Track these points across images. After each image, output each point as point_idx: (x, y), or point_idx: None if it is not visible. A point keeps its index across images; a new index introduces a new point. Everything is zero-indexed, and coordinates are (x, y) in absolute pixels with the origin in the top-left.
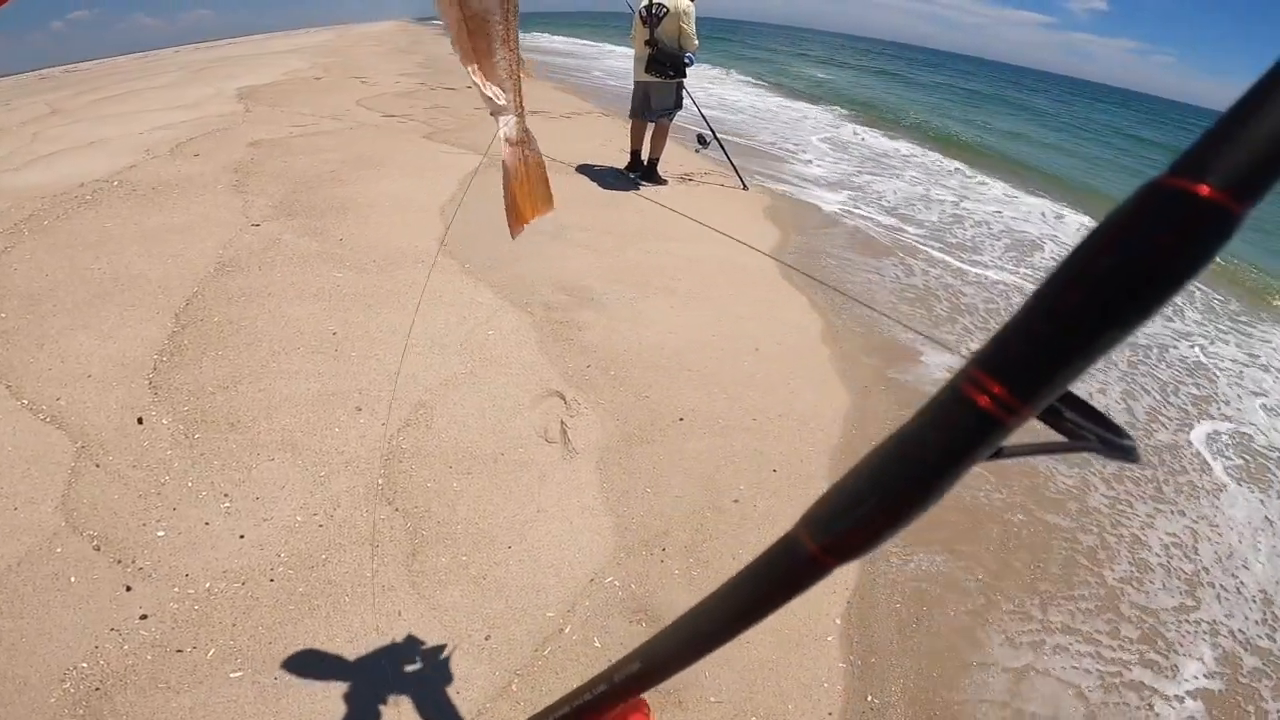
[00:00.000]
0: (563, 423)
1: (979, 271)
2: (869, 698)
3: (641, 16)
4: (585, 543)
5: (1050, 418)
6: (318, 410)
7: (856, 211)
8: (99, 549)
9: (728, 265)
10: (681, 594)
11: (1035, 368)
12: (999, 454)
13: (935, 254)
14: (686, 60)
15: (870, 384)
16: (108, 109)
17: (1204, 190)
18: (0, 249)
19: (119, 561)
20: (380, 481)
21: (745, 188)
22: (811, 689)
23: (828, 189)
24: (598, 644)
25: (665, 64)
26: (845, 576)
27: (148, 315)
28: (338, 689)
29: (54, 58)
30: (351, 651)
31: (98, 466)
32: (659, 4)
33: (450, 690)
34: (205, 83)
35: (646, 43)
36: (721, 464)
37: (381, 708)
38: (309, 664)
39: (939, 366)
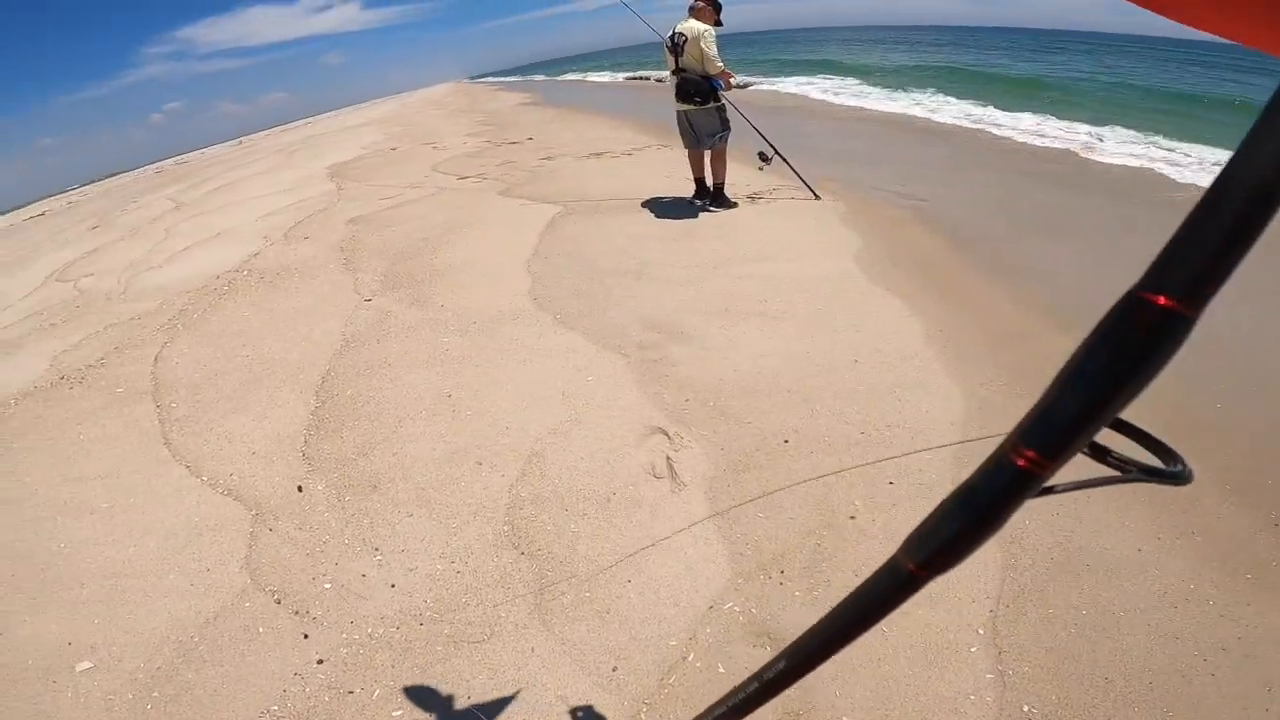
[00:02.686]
0: (668, 458)
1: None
2: (1025, 708)
3: (668, 46)
4: (701, 571)
5: (1097, 455)
6: (443, 467)
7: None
8: (279, 602)
9: (813, 279)
10: (805, 614)
11: (1056, 439)
12: (1048, 490)
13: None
14: (714, 85)
15: (988, 380)
16: (222, 199)
17: (1162, 300)
18: (161, 344)
19: (296, 613)
20: (505, 529)
21: (817, 197)
22: (956, 702)
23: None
24: (722, 670)
25: (693, 91)
26: (986, 585)
27: (292, 395)
28: None
29: (160, 149)
30: (493, 688)
31: (270, 530)
32: (679, 32)
33: None
34: (298, 165)
35: (674, 72)
36: (833, 482)
37: None
38: (457, 702)
39: (1058, 351)
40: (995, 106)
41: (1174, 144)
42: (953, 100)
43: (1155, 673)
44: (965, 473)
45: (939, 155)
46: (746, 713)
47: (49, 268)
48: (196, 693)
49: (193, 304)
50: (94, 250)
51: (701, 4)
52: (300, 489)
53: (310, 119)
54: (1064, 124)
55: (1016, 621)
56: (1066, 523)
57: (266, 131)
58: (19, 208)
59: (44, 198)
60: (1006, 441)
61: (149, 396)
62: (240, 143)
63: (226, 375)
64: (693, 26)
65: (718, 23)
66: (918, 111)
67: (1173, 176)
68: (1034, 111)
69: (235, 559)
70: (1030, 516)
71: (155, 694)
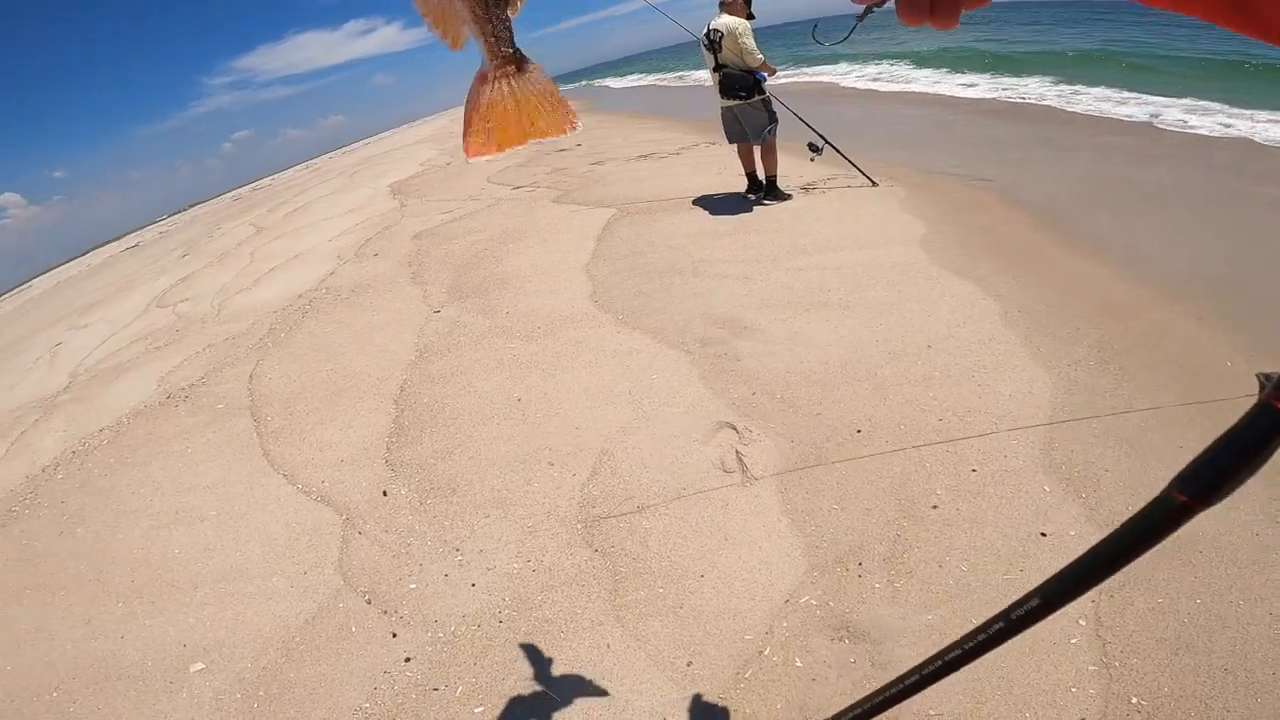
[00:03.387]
0: (737, 452)
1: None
2: (1134, 699)
3: (704, 45)
4: (776, 565)
5: None
6: (517, 469)
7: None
8: (370, 602)
9: (877, 267)
10: (885, 607)
11: (1210, 487)
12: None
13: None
14: (758, 78)
15: (1077, 360)
16: (296, 222)
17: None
18: (255, 362)
19: (385, 613)
20: (578, 527)
21: (874, 184)
22: (1055, 694)
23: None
24: (799, 664)
25: (736, 86)
26: None
27: (374, 405)
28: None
29: (234, 177)
30: (570, 683)
31: (360, 534)
32: (714, 29)
33: (656, 716)
34: (362, 184)
35: (714, 69)
36: (911, 471)
37: None
38: (535, 698)
39: (1153, 325)
40: (1060, 80)
41: (1252, 110)
42: (1008, 77)
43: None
44: (1056, 458)
45: (1002, 134)
46: (985, 651)
47: (149, 295)
48: (297, 691)
49: (279, 323)
50: (187, 277)
51: None
52: (385, 493)
53: (368, 139)
54: (1133, 94)
55: (1122, 612)
56: None
57: (329, 155)
58: (115, 239)
59: (135, 229)
60: (1269, 391)
61: (247, 411)
62: (306, 166)
63: (314, 389)
64: (727, 22)
65: (749, 16)
66: (973, 93)
67: (1259, 141)
68: (1104, 85)
69: (329, 562)
70: (1135, 501)
71: (261, 693)
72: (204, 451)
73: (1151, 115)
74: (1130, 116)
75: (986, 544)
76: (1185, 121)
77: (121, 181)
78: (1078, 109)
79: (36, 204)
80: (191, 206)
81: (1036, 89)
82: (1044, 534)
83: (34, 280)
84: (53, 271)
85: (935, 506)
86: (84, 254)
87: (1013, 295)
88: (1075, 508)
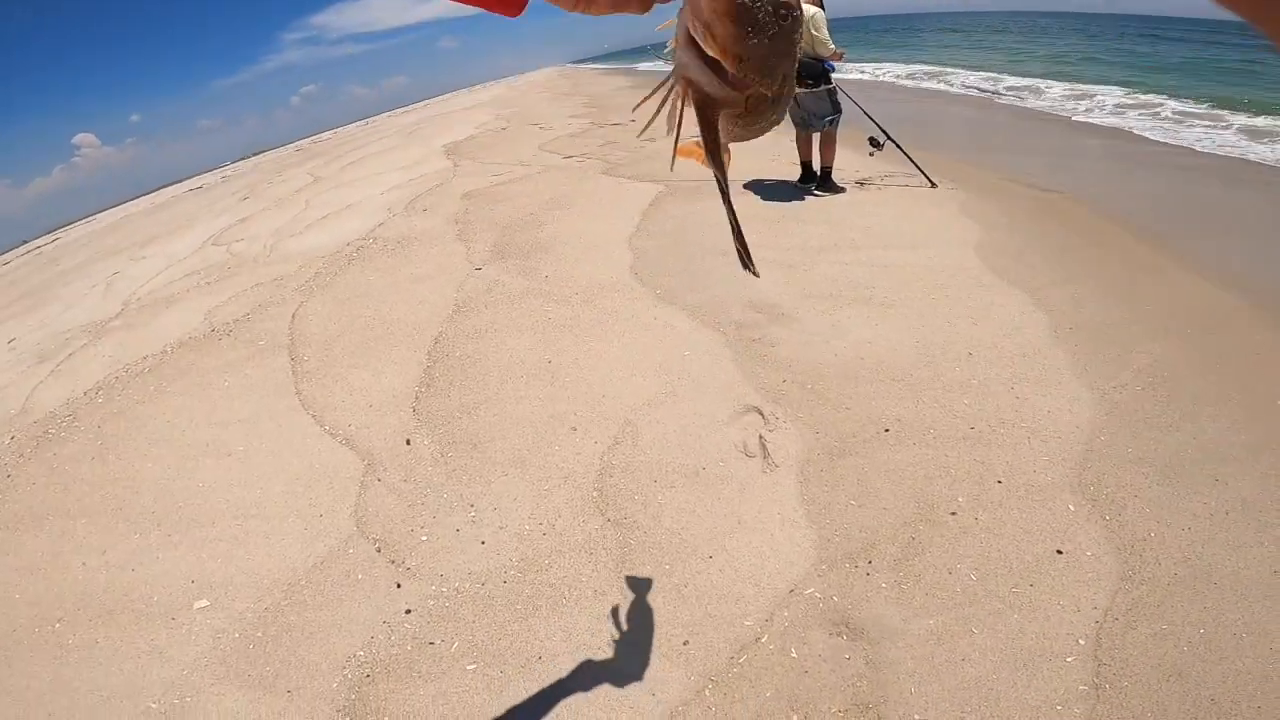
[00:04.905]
0: (761, 437)
1: None
2: None
3: None
4: (785, 554)
5: None
6: (540, 431)
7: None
8: (380, 551)
9: (926, 268)
10: (889, 607)
11: None
12: None
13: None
14: (827, 67)
15: (1123, 383)
16: (352, 174)
17: None
18: (299, 303)
19: (393, 562)
20: (594, 494)
21: (934, 185)
22: (1042, 711)
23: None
24: (794, 654)
25: (804, 73)
26: (1096, 596)
27: (408, 354)
28: (550, 684)
29: (299, 130)
30: (565, 649)
31: (379, 481)
32: None
33: (645, 691)
34: (417, 143)
35: None
36: (934, 475)
37: (582, 703)
38: (529, 661)
39: (1206, 356)
40: (1143, 91)
41: None
42: (1096, 88)
43: (1267, 697)
44: (1086, 477)
45: (1081, 145)
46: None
47: (206, 233)
48: (295, 634)
49: (326, 268)
50: (244, 219)
51: None
52: (408, 442)
53: (428, 101)
54: (1240, 116)
55: (1124, 634)
56: (1198, 538)
57: (389, 113)
58: (180, 180)
59: (201, 173)
60: None
61: (285, 350)
62: (367, 123)
63: (351, 333)
64: (804, 8)
65: (820, 5)
66: (1052, 103)
67: None
68: (1189, 99)
69: (346, 506)
70: (1159, 529)
71: (259, 634)
72: (240, 386)
73: (1246, 134)
74: (1220, 138)
75: (1000, 555)
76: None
77: (191, 130)
78: (1163, 126)
79: (111, 145)
80: (257, 154)
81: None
82: (1060, 551)
83: (99, 214)
84: (119, 207)
85: (954, 513)
86: (150, 192)
87: (1065, 310)
88: (1096, 529)
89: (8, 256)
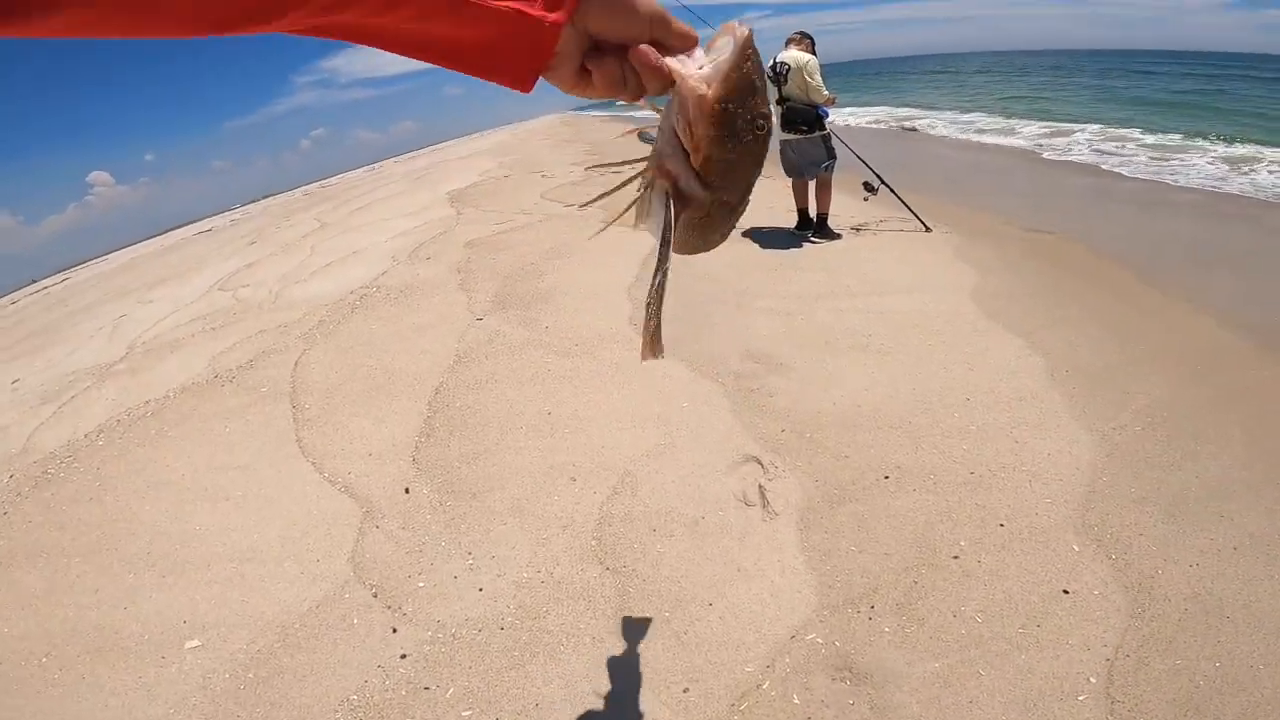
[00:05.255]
0: (761, 486)
1: None
2: None
3: (769, 77)
4: (786, 600)
5: None
6: (539, 481)
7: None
8: (376, 596)
9: (922, 314)
10: (892, 651)
11: None
12: None
13: None
14: (820, 113)
15: (1122, 425)
16: (358, 220)
17: None
18: (301, 351)
19: (389, 608)
20: (593, 543)
21: (928, 229)
22: None
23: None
24: (796, 700)
25: (798, 120)
26: (1106, 634)
27: (409, 403)
28: None
29: (307, 173)
30: (563, 697)
31: (377, 528)
32: (781, 62)
33: None
34: (422, 189)
35: (777, 102)
36: (935, 520)
37: None
38: (526, 708)
39: (1202, 398)
40: (1137, 128)
41: None
42: (1080, 126)
43: None
44: (1090, 519)
45: (1068, 186)
46: None
47: (213, 277)
48: (286, 677)
49: (330, 315)
50: (251, 264)
51: (798, 35)
52: (407, 491)
53: (434, 146)
54: (1217, 147)
55: (1137, 671)
56: (1207, 573)
57: (396, 158)
58: (190, 222)
59: (211, 215)
60: None
61: (287, 398)
62: (373, 168)
63: (353, 382)
64: (796, 56)
65: (813, 52)
66: (1033, 143)
67: None
68: (1181, 134)
69: (343, 552)
70: (1166, 565)
71: (250, 675)
72: (241, 432)
73: (1234, 169)
74: (1208, 170)
75: (1005, 597)
76: (1261, 180)
77: (204, 170)
78: (1149, 164)
79: (124, 184)
80: (266, 197)
81: (1114, 143)
82: (1066, 591)
83: (109, 255)
84: (130, 248)
85: (956, 556)
86: (161, 233)
87: (1061, 352)
88: (1103, 568)
89: (16, 296)
